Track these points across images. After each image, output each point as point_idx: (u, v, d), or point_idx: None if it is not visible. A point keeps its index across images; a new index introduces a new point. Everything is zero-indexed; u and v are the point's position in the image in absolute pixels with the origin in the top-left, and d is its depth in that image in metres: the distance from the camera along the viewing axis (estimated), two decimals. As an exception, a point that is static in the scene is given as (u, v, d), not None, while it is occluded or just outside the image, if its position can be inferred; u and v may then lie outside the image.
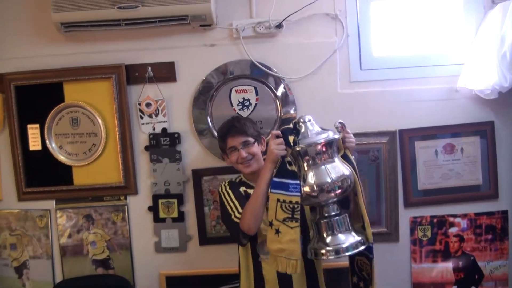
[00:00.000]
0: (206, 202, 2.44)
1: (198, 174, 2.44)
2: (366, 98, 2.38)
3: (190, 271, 2.47)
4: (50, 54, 2.44)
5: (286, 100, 2.39)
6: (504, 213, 2.40)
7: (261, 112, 2.40)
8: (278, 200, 1.73)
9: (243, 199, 1.93)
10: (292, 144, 1.76)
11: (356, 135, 2.23)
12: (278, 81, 2.38)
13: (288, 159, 1.78)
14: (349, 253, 1.76)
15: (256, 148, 2.01)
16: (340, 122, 1.89)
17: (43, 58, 2.44)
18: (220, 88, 2.40)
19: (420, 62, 2.39)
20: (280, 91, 2.39)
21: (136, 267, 2.51)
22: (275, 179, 1.76)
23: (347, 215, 1.81)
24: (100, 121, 2.42)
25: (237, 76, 2.40)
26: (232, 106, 2.40)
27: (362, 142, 2.35)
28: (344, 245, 1.75)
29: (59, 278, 2.52)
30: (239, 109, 2.39)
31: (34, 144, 2.47)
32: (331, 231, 1.78)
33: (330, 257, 1.76)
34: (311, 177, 1.75)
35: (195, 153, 2.43)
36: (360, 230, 1.83)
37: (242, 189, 2.00)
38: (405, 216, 2.42)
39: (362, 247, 1.77)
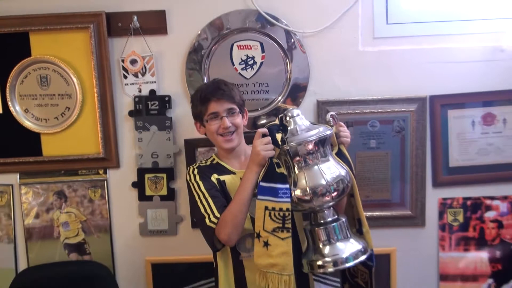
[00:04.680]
0: (200, 178, 2.42)
1: (191, 145, 2.40)
2: (392, 58, 2.36)
3: (180, 257, 2.47)
4: (13, -3, 2.36)
5: (297, 59, 2.34)
6: (553, 196, 2.43)
7: (267, 72, 2.37)
8: (266, 208, 1.71)
9: (217, 194, 1.90)
10: (280, 143, 1.75)
11: (379, 101, 2.37)
12: (288, 36, 2.33)
13: (276, 160, 1.77)
14: (350, 264, 1.75)
15: (240, 120, 1.98)
16: (332, 115, 1.89)
17: (5, 1, 2.34)
18: (219, 43, 2.35)
19: (458, 16, 2.35)
20: (290, 48, 2.34)
21: (117, 253, 2.50)
22: (262, 183, 1.74)
23: (345, 220, 1.81)
24: (75, 80, 2.36)
25: (240, 29, 2.34)
26: (233, 65, 2.36)
27: (385, 110, 2.36)
28: (344, 255, 1.74)
29: (23, 265, 2.50)
30: (242, 69, 2.35)
31: None
32: (328, 240, 1.78)
33: (329, 270, 1.77)
34: (303, 180, 1.75)
35: (188, 120, 2.25)
36: (356, 235, 1.86)
37: (214, 177, 1.95)
38: (433, 197, 2.45)
39: (364, 257, 1.77)
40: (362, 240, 1.82)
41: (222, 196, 1.89)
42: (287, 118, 1.80)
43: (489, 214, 2.42)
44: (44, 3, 2.34)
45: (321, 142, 1.76)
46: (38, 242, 2.48)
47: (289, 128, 1.78)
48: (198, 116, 1.99)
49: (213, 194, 1.87)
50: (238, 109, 1.96)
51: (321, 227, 1.78)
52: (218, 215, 1.80)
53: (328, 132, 1.77)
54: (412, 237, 2.46)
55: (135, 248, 2.49)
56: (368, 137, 2.39)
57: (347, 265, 1.74)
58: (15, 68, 2.35)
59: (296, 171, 1.76)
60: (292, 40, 2.34)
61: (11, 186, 2.47)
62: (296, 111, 1.81)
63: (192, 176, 1.94)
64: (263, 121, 2.38)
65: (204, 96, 1.95)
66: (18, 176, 2.46)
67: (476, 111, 2.37)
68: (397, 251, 2.45)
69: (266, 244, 1.71)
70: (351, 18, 2.34)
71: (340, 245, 1.77)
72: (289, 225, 1.71)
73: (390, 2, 2.34)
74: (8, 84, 2.36)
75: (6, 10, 2.34)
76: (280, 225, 1.70)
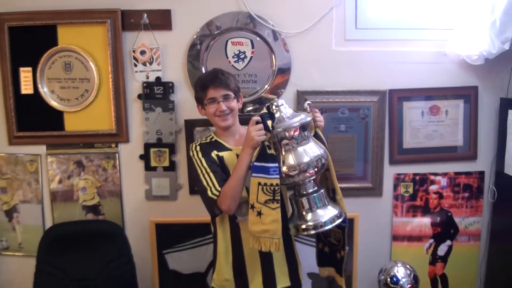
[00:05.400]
0: (197, 153, 2.69)
1: (190, 125, 2.70)
2: (360, 57, 2.69)
3: (179, 219, 2.79)
4: (45, -5, 2.61)
5: (281, 54, 2.66)
6: (481, 173, 2.86)
7: (256, 65, 2.68)
8: (259, 183, 1.93)
9: (217, 169, 2.11)
10: (270, 128, 1.96)
11: (348, 93, 2.66)
12: (274, 35, 2.64)
13: (267, 143, 1.98)
14: (328, 227, 2.01)
15: (235, 104, 2.21)
16: (308, 104, 2.12)
17: (37, -1, 2.61)
18: (216, 39, 2.65)
19: (412, 25, 2.72)
20: (276, 45, 2.65)
21: (126, 214, 2.82)
22: (256, 163, 1.95)
23: (323, 191, 2.08)
24: (93, 66, 2.64)
25: (234, 28, 2.64)
26: (227, 58, 2.66)
27: (353, 100, 2.71)
28: (323, 220, 2.01)
29: (49, 223, 2.82)
30: (234, 61, 2.66)
31: (26, 88, 2.68)
32: (310, 208, 2.04)
33: (311, 232, 2.04)
34: (290, 159, 1.97)
35: (188, 103, 2.63)
36: (331, 202, 2.13)
37: (214, 153, 2.15)
38: (389, 173, 2.82)
39: (339, 220, 2.03)
40: (338, 206, 2.10)
41: (221, 171, 2.11)
42: (274, 107, 2.02)
43: (433, 187, 2.84)
44: (70, 0, 2.60)
45: (303, 127, 2.00)
46: (61, 203, 2.80)
47: (276, 116, 2.00)
48: (199, 100, 2.23)
49: (214, 169, 2.09)
50: (233, 95, 2.18)
51: (304, 197, 2.04)
52: (219, 188, 2.03)
53: (309, 119, 2.01)
54: (371, 205, 2.83)
55: (142, 210, 2.80)
56: (338, 122, 2.73)
57: (326, 228, 2.00)
58: (44, 55, 2.64)
59: (284, 152, 2.00)
60: (277, 39, 2.64)
61: (39, 156, 2.77)
62: (280, 101, 2.04)
63: (195, 152, 2.16)
64: (250, 108, 2.70)
65: (204, 84, 2.19)
66: (45, 148, 2.76)
67: (425, 103, 2.76)
68: (359, 217, 2.81)
69: (259, 213, 1.93)
70: (326, 23, 2.66)
71: (320, 212, 2.03)
72: (279, 197, 1.93)
73: (359, 10, 2.68)
74: (38, 69, 2.64)
75: (38, 6, 2.61)
76: (271, 198, 1.92)
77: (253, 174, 1.95)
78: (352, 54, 2.71)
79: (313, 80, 2.71)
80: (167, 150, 2.75)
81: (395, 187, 2.86)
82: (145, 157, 2.77)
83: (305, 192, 2.07)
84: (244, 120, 2.25)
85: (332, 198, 2.18)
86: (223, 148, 2.21)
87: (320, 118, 2.15)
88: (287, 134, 1.98)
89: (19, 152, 2.80)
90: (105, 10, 2.63)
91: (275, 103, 2.04)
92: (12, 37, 2.66)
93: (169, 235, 2.83)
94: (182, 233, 2.83)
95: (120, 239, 2.68)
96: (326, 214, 2.04)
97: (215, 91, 2.16)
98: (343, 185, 2.61)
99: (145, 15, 2.62)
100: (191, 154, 2.19)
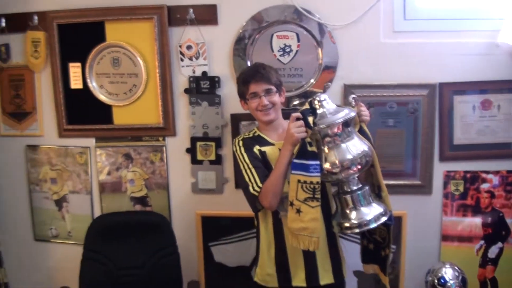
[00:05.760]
0: (243, 147, 2.72)
1: (236, 119, 2.73)
2: (409, 49, 2.63)
3: (225, 212, 2.83)
4: (93, -7, 2.71)
5: (328, 48, 2.65)
6: (535, 172, 2.73)
7: (302, 59, 2.67)
8: (299, 181, 1.93)
9: (259, 164, 2.14)
10: (312, 125, 1.95)
11: (396, 86, 2.62)
12: (320, 28, 2.62)
13: (308, 139, 1.96)
14: (372, 226, 1.98)
15: (277, 98, 2.22)
16: (353, 97, 2.09)
17: (86, -3, 2.71)
18: (261, 33, 2.66)
19: (463, 15, 2.62)
20: (322, 38, 2.64)
21: (173, 206, 2.90)
22: (295, 160, 1.95)
23: (368, 188, 2.04)
24: (141, 62, 2.72)
25: (279, 21, 2.64)
26: (273, 51, 2.67)
27: (402, 93, 2.65)
28: (368, 218, 1.98)
29: (97, 213, 2.94)
30: (280, 55, 2.66)
31: (76, 83, 2.81)
32: (354, 206, 2.01)
33: (355, 231, 2.03)
34: (332, 156, 1.94)
35: (234, 97, 2.50)
36: (376, 199, 2.10)
37: (256, 148, 2.19)
38: (439, 170, 2.74)
39: (384, 218, 2.00)
40: (383, 204, 2.06)
41: (263, 166, 2.14)
42: (316, 103, 1.99)
43: (484, 186, 2.73)
44: (117, -3, 2.68)
45: (346, 123, 1.95)
46: (110, 194, 2.92)
47: (318, 111, 1.98)
48: (242, 95, 2.27)
49: (256, 164, 2.13)
50: (275, 89, 2.20)
51: (348, 195, 2.02)
52: (261, 185, 2.07)
53: (353, 114, 1.97)
54: (420, 203, 2.76)
55: (188, 202, 2.87)
56: (387, 117, 2.69)
57: (370, 226, 1.98)
58: (93, 51, 2.74)
59: (326, 149, 1.96)
60: (324, 32, 2.63)
61: (88, 148, 2.89)
62: (323, 96, 2.01)
63: (238, 147, 2.21)
64: (296, 102, 2.69)
65: (245, 79, 2.22)
66: (94, 140, 2.88)
67: (476, 98, 2.66)
68: (407, 215, 2.75)
69: (298, 211, 1.94)
70: (374, 14, 2.61)
71: (364, 210, 2.00)
72: (319, 196, 1.93)
73: (407, 1, 2.61)
74: (87, 64, 2.75)
75: (86, 3, 2.72)
76: (311, 196, 1.92)
77: (293, 171, 1.95)
78: (401, 46, 2.66)
79: (360, 73, 2.67)
80: (213, 144, 2.79)
81: (445, 184, 2.77)
82: (191, 150, 2.82)
83: (349, 190, 2.04)
84: (290, 114, 2.20)
85: (378, 194, 2.14)
86: (265, 142, 2.23)
87: (365, 112, 2.11)
88: (329, 131, 1.95)
89: (69, 144, 2.93)
90: (151, 6, 2.69)
91: (317, 98, 2.01)
92: (61, 34, 2.78)
93: (215, 228, 2.88)
94: (227, 226, 2.87)
95: (166, 231, 2.74)
96: (371, 212, 2.01)
97: (256, 86, 2.19)
98: (391, 182, 2.62)
99: (191, 10, 2.67)
100: (234, 149, 2.23)
